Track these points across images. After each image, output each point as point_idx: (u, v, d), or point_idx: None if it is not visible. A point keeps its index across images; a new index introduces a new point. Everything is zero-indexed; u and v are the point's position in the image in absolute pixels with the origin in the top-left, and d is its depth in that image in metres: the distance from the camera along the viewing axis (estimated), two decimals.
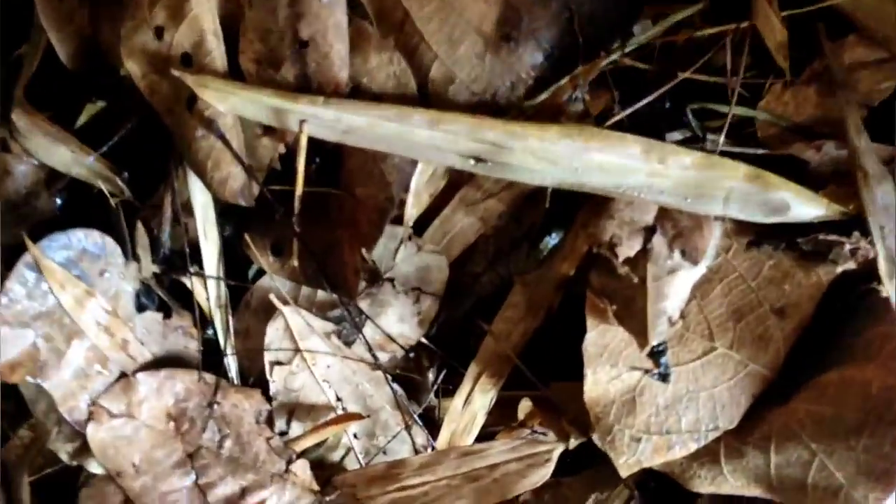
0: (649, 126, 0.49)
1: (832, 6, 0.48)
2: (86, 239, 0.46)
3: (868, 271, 0.43)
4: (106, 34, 0.59)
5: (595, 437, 0.44)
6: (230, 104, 0.46)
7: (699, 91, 0.50)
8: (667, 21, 0.49)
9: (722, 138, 0.48)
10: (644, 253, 0.43)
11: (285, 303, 0.50)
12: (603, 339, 0.43)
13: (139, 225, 0.51)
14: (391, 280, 0.50)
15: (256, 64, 0.47)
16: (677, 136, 0.50)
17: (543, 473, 0.46)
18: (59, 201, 0.55)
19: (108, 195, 0.52)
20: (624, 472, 0.44)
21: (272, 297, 0.49)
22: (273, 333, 0.50)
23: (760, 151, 0.49)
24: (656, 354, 0.43)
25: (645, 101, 0.48)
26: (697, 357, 0.44)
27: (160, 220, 0.52)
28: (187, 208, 0.51)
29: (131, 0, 0.50)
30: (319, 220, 0.48)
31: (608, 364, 0.43)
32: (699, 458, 0.43)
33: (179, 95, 0.48)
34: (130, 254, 0.49)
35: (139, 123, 0.54)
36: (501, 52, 0.46)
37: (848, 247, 0.44)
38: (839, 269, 0.43)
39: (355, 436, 0.52)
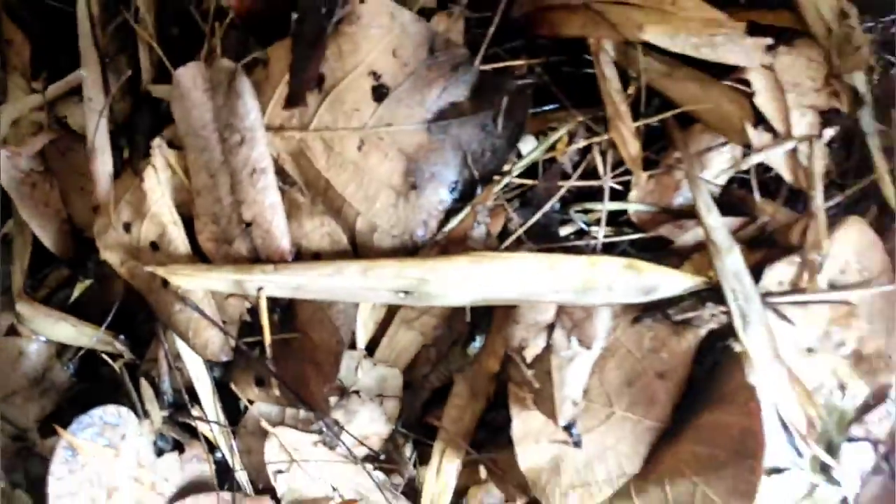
0: (544, 229, 0.60)
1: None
2: (105, 414, 0.56)
3: (729, 330, 0.54)
4: (79, 215, 0.69)
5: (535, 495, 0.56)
6: (198, 283, 0.56)
7: (581, 192, 0.60)
8: (546, 140, 0.59)
9: (601, 231, 0.58)
10: (548, 348, 0.54)
11: (275, 424, 0.61)
12: (525, 424, 0.55)
13: (143, 381, 0.61)
14: (356, 392, 0.61)
15: (214, 242, 0.57)
16: (568, 230, 0.61)
17: None
18: (71, 369, 0.65)
19: (111, 359, 0.62)
20: None
21: (263, 422, 0.60)
22: (271, 449, 0.61)
23: (636, 236, 0.59)
24: (568, 428, 0.54)
25: (538, 215, 0.58)
26: (602, 422, 0.55)
27: (159, 371, 0.62)
28: (180, 357, 0.61)
29: (99, 202, 0.60)
30: (288, 357, 0.59)
31: (533, 441, 0.54)
32: (619, 498, 0.55)
33: (155, 277, 0.58)
34: (141, 412, 0.60)
35: (125, 293, 0.63)
36: (411, 198, 0.56)
37: (709, 311, 0.55)
38: (703, 332, 0.55)
39: None
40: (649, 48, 0.58)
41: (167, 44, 0.64)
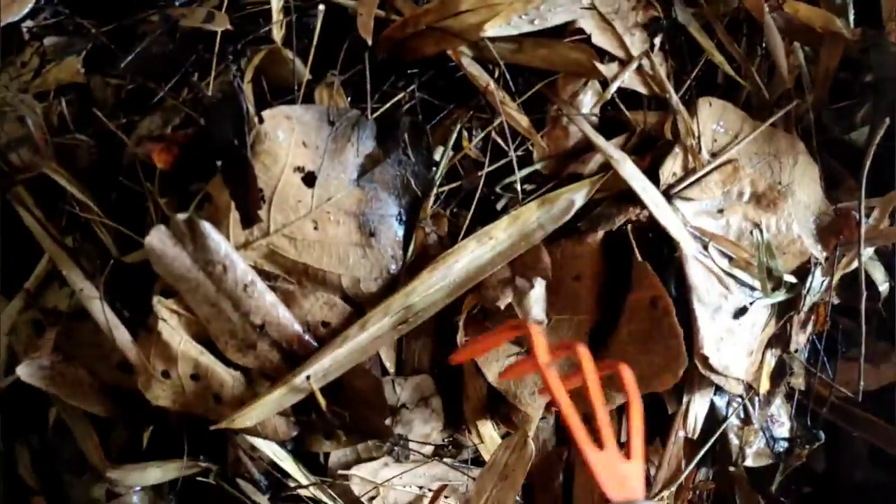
0: (485, 214, 0.71)
1: None
2: None
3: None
4: (108, 378, 0.77)
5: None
6: (255, 416, 0.66)
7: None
8: (448, 144, 0.70)
9: (518, 189, 0.70)
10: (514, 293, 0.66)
11: (353, 464, 0.72)
12: None
13: (239, 482, 0.72)
14: (404, 405, 0.72)
15: (240, 352, 0.67)
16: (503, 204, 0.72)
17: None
18: (174, 501, 0.75)
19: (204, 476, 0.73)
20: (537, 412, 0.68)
21: (340, 470, 0.71)
22: (355, 485, 0.72)
23: (551, 185, 0.71)
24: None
25: (474, 204, 0.70)
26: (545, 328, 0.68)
27: (246, 468, 0.73)
28: (256, 448, 0.72)
29: (139, 361, 0.69)
30: (344, 407, 0.69)
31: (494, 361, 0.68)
32: None
33: (208, 398, 0.68)
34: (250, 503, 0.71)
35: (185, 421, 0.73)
36: (373, 244, 0.67)
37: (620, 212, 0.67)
38: (600, 234, 0.67)
39: None
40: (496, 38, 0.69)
41: (113, 211, 0.73)
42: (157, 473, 0.73)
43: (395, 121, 0.67)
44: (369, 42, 0.68)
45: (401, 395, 0.72)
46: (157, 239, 0.62)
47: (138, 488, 0.74)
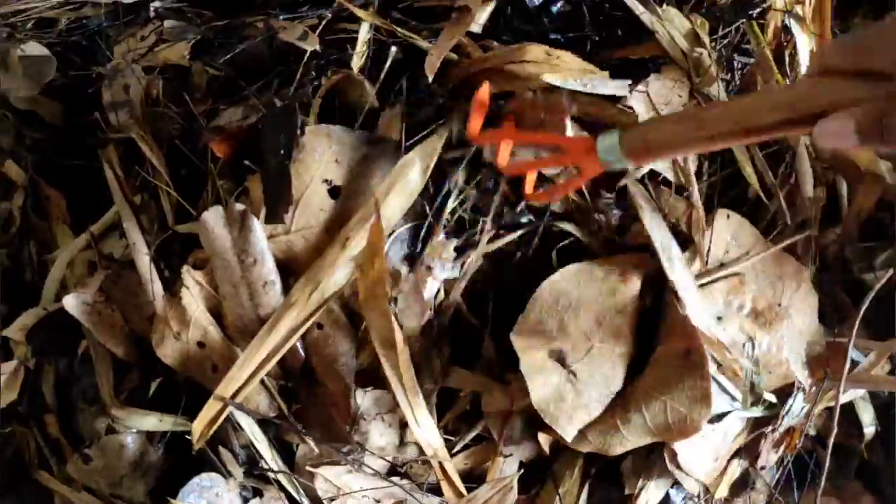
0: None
1: None
2: (201, 480, 0.74)
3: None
4: (138, 327, 0.86)
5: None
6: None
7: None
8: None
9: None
10: None
11: (319, 463, 0.77)
12: (531, 360, 0.70)
13: (220, 448, 0.79)
14: (361, 416, 0.77)
15: (240, 333, 0.74)
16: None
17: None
18: (161, 449, 0.83)
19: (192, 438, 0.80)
20: (569, 436, 0.70)
21: (308, 467, 0.77)
22: (320, 485, 0.77)
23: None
24: (562, 362, 0.69)
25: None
26: (585, 353, 0.70)
27: (230, 438, 0.80)
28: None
29: (156, 318, 0.77)
30: (316, 404, 0.75)
31: (539, 375, 0.70)
32: (607, 433, 0.70)
33: (207, 367, 0.75)
34: (225, 472, 0.77)
35: (187, 383, 0.81)
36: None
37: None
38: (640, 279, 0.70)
39: None
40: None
41: (178, 183, 0.82)
42: (153, 422, 0.81)
43: None
44: (430, 79, 0.75)
45: (360, 405, 0.76)
46: (213, 217, 0.70)
47: (134, 430, 0.82)
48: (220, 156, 0.72)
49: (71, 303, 0.83)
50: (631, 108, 0.75)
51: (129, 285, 0.87)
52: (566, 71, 0.75)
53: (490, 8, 0.87)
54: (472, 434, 0.80)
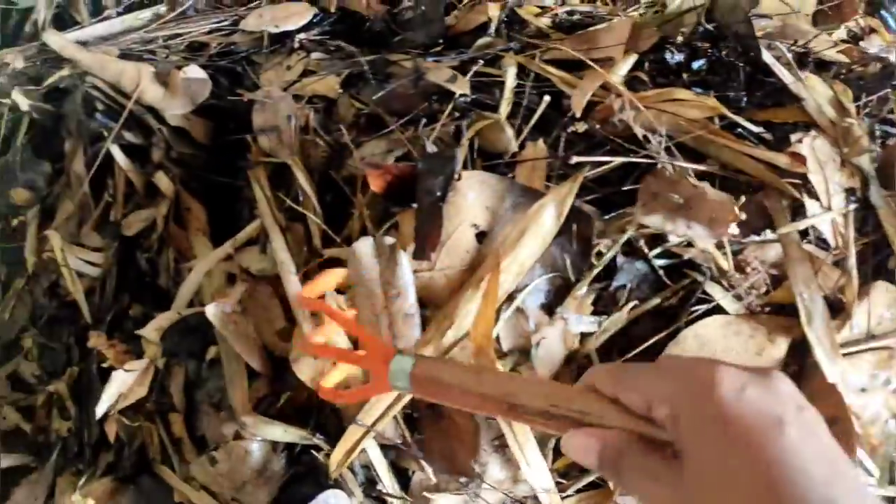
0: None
1: None
2: (328, 496, 0.77)
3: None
4: (269, 341, 0.91)
5: None
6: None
7: None
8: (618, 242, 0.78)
9: None
10: None
11: (434, 491, 0.80)
12: None
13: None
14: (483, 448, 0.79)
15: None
16: None
17: None
18: (284, 460, 0.86)
19: (314, 451, 0.83)
20: None
21: (424, 493, 0.79)
22: None
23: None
24: None
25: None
26: None
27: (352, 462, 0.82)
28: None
29: (295, 335, 0.81)
30: (440, 437, 0.77)
31: None
32: None
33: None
34: (347, 490, 0.80)
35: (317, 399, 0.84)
36: (515, 307, 0.76)
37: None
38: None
39: None
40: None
41: (324, 208, 0.87)
42: (280, 432, 0.85)
43: (570, 211, 0.75)
44: (578, 114, 0.78)
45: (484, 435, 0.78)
46: (363, 247, 0.74)
47: (260, 438, 0.86)
48: (374, 188, 0.76)
49: (212, 311, 0.88)
50: (800, 154, 0.75)
51: (263, 300, 0.93)
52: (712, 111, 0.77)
53: (631, 60, 0.90)
54: (586, 480, 0.81)
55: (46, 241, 1.17)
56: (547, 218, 0.74)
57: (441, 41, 1.09)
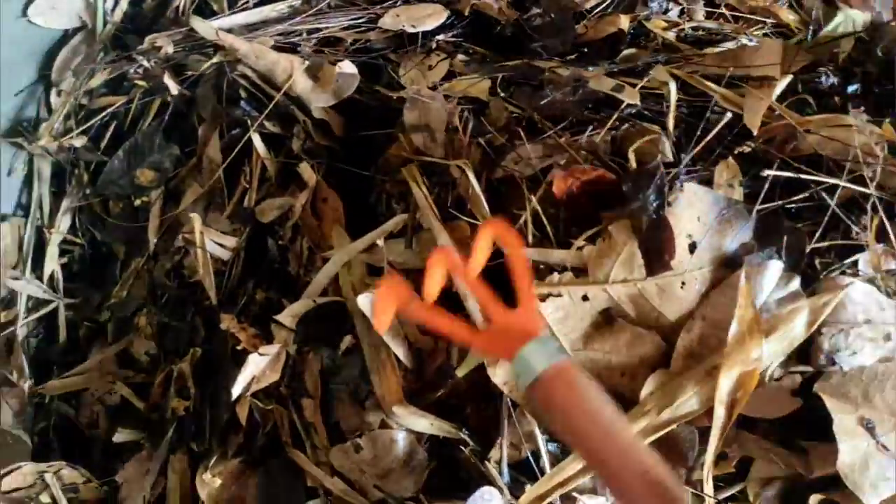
0: None
1: None
2: (484, 493, 0.78)
3: None
4: (416, 339, 0.93)
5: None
6: None
7: None
8: None
9: None
10: None
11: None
12: (843, 424, 0.71)
13: (489, 465, 0.83)
14: None
15: None
16: None
17: None
18: (425, 452, 0.88)
19: (458, 445, 0.85)
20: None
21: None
22: None
23: None
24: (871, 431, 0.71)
25: None
26: (892, 429, 0.71)
27: (501, 457, 0.84)
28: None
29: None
30: None
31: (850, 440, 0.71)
32: None
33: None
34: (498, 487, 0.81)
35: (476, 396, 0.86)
36: None
37: None
38: None
39: None
40: None
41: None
42: (427, 425, 0.86)
43: (778, 224, 0.77)
44: (755, 133, 0.79)
45: None
46: None
47: (405, 429, 0.88)
48: (556, 193, 0.78)
49: (363, 302, 0.90)
50: None
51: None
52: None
53: (786, 81, 0.92)
54: (727, 493, 0.83)
55: (169, 222, 1.20)
56: (798, 323, 0.74)
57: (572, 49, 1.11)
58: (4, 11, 1.10)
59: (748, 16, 1.22)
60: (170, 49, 1.01)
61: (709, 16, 1.21)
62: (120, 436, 1.15)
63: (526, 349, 0.57)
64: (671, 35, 1.15)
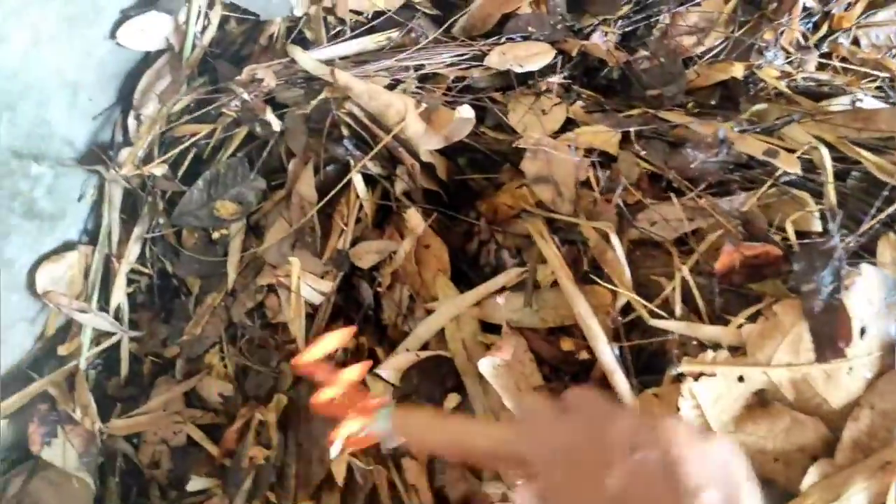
0: None
1: None
2: None
3: None
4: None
5: None
6: None
7: None
8: None
9: None
10: None
11: None
12: None
13: None
14: None
15: None
16: None
17: None
18: None
19: None
20: None
21: None
22: None
23: None
24: None
25: None
26: None
27: None
28: None
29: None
30: None
31: None
32: None
33: None
34: None
35: None
36: None
37: None
38: None
39: None
40: None
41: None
42: None
43: None
44: None
45: None
46: None
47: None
48: (718, 267, 0.74)
49: (485, 365, 0.85)
50: None
51: (518, 353, 0.89)
52: None
53: None
54: None
55: (250, 258, 1.14)
56: None
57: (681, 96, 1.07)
58: (92, 34, 1.05)
59: (858, 68, 1.18)
60: (272, 82, 0.96)
61: (819, 67, 1.18)
62: (195, 483, 1.09)
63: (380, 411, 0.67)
64: (783, 84, 1.11)
